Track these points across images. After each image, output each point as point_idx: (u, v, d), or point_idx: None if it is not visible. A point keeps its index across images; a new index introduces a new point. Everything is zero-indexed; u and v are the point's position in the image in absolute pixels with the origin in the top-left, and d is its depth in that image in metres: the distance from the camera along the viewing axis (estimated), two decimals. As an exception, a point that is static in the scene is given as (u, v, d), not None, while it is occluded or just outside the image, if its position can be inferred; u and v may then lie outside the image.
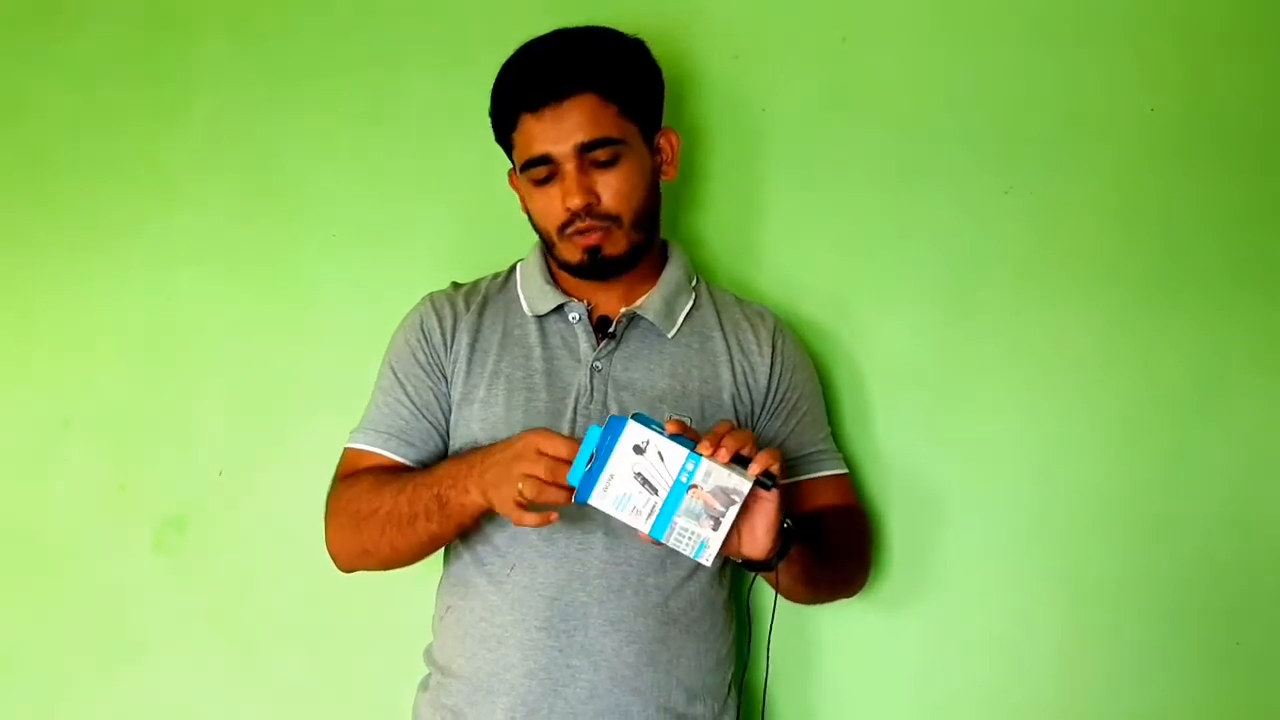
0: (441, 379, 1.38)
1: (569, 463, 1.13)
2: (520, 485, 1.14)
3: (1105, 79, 1.50)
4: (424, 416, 1.37)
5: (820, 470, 1.43)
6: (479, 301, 1.42)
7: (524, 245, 1.48)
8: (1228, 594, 1.49)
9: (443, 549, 1.41)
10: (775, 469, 1.13)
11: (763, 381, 1.40)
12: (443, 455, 1.38)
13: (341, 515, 1.35)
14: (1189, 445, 1.49)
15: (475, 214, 1.66)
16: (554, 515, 1.16)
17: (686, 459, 1.10)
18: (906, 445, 1.56)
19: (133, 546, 1.74)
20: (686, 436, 1.12)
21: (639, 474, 1.10)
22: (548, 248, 1.40)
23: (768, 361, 1.41)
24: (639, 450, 1.10)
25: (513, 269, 1.46)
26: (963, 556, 1.55)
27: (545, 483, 1.14)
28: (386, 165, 1.70)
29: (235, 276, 1.73)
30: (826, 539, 1.33)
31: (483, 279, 1.47)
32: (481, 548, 1.35)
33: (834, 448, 1.46)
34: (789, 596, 1.33)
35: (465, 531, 1.35)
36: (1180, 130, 1.47)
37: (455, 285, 1.46)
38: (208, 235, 1.74)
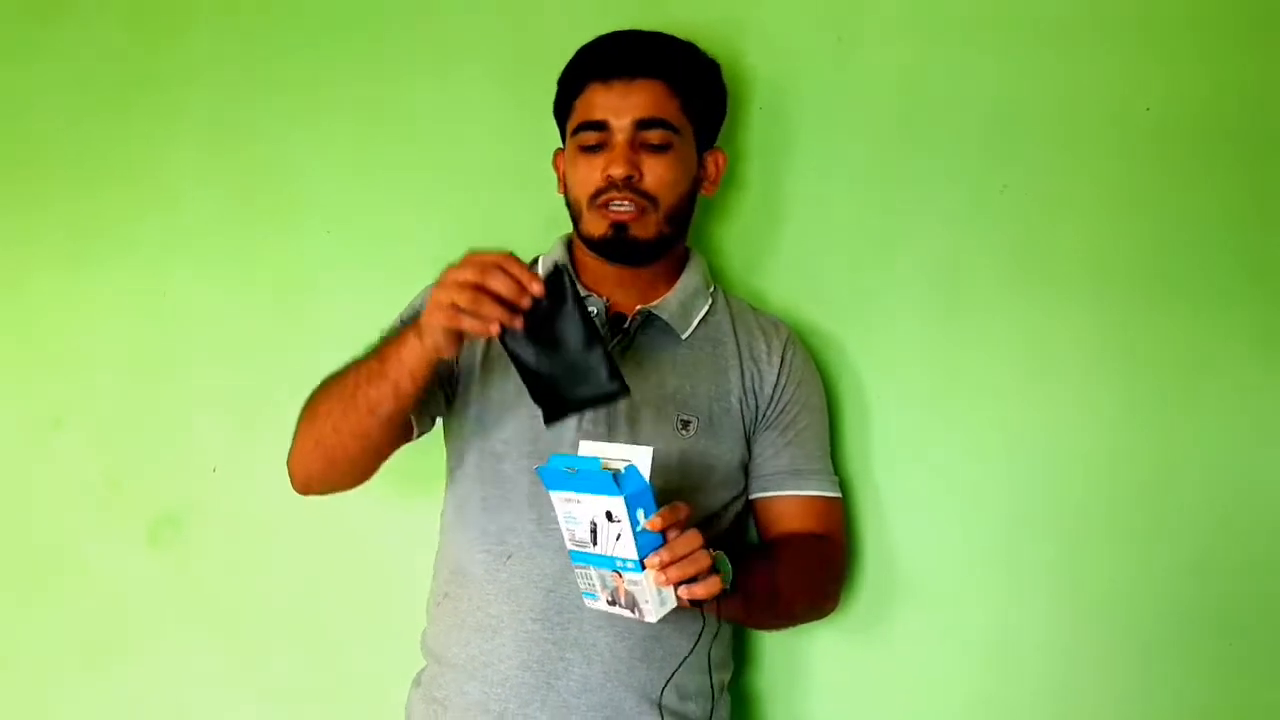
0: None
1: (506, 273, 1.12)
2: (455, 297, 1.12)
3: (1101, 78, 1.48)
4: None
5: (805, 489, 1.41)
6: None
7: (523, 243, 1.47)
8: (1219, 595, 1.47)
9: (436, 544, 1.41)
10: (707, 599, 1.13)
11: (768, 390, 1.40)
12: (424, 407, 1.35)
13: (301, 420, 1.33)
14: (1186, 447, 1.47)
15: (472, 212, 1.65)
16: (494, 327, 1.13)
17: (632, 563, 1.11)
18: (900, 450, 1.54)
19: (127, 544, 1.74)
20: (665, 528, 1.11)
21: (594, 524, 1.12)
22: (574, 222, 1.40)
23: (775, 371, 1.40)
24: (610, 517, 1.10)
25: (535, 261, 1.46)
26: (955, 562, 1.53)
27: (481, 291, 1.11)
28: (383, 164, 1.70)
29: (229, 274, 1.74)
30: (775, 580, 1.30)
31: None
32: (479, 536, 1.35)
33: (827, 469, 1.44)
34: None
35: (464, 518, 1.35)
36: (1176, 129, 1.45)
37: None
38: (202, 233, 1.75)
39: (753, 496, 1.42)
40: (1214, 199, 1.45)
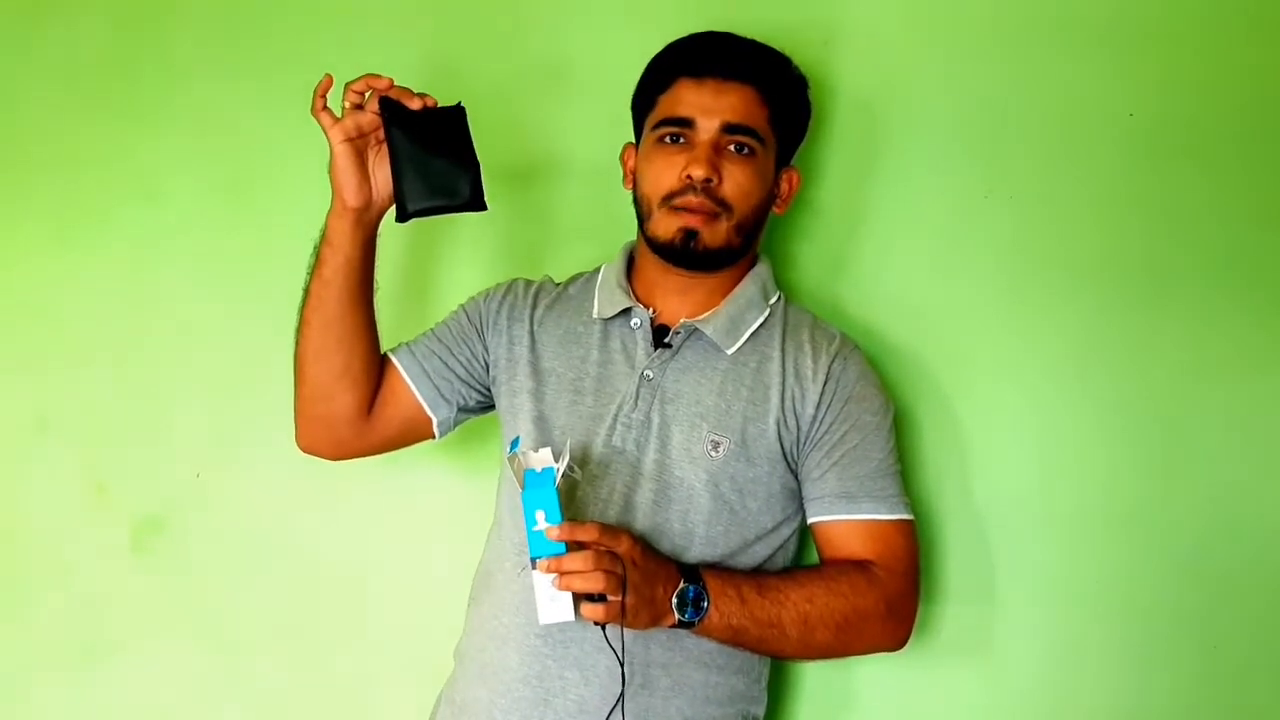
0: (479, 344, 1.42)
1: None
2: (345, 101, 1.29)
3: (1085, 85, 1.45)
4: (440, 351, 1.42)
5: (856, 513, 1.31)
6: (551, 298, 1.42)
7: (510, 244, 1.45)
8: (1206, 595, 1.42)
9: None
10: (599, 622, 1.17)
11: (809, 410, 1.32)
12: (448, 393, 1.41)
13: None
14: (1176, 454, 1.43)
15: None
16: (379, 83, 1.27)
17: (530, 559, 1.17)
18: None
19: (110, 547, 1.74)
20: (568, 540, 1.15)
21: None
22: (641, 221, 1.36)
23: (819, 388, 1.32)
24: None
25: (598, 270, 1.44)
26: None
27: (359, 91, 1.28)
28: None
29: (215, 275, 1.73)
30: (779, 610, 1.26)
31: (578, 275, 1.46)
32: (508, 544, 1.34)
33: (886, 490, 1.33)
34: None
35: (500, 525, 1.36)
36: (1159, 134, 1.43)
37: (548, 279, 1.47)
38: (187, 233, 1.74)
39: (809, 522, 1.34)
40: (1203, 201, 1.42)
